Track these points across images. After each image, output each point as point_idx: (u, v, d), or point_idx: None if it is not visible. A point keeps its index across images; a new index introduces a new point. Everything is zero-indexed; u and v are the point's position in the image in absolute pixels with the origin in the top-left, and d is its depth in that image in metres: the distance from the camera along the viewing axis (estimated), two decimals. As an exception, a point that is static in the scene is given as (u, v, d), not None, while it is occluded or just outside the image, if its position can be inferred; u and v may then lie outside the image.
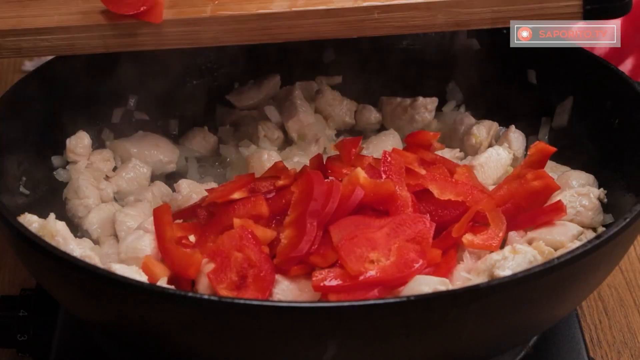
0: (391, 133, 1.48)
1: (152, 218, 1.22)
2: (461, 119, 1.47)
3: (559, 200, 1.24)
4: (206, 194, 1.28)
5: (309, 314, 0.96)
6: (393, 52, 1.52)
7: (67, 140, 1.38)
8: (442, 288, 1.07)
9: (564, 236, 1.21)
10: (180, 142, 1.49)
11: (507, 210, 1.25)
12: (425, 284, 1.09)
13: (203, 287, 1.15)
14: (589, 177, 1.31)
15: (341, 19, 1.25)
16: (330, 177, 1.26)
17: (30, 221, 1.20)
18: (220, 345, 1.01)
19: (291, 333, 0.97)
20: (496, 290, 0.98)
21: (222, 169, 1.48)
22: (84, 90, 1.41)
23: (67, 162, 1.38)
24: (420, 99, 1.50)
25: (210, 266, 1.14)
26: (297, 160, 1.42)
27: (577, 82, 1.40)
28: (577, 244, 1.19)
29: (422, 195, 1.23)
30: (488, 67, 1.47)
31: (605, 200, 1.27)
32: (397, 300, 0.98)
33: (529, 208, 1.26)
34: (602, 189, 1.28)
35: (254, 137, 1.47)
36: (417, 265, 1.12)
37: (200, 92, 1.52)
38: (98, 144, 1.43)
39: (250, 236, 1.14)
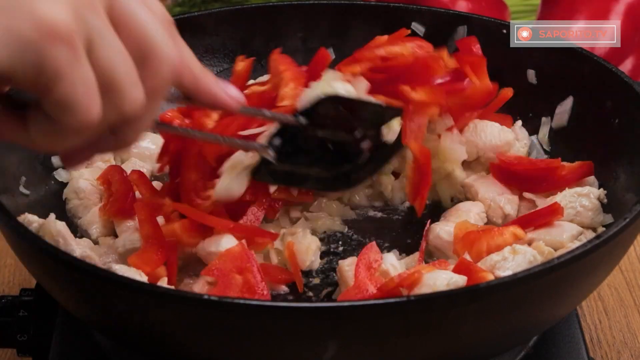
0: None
1: None
2: (461, 119, 1.47)
3: (556, 202, 1.24)
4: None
5: (309, 314, 0.96)
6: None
7: None
8: (461, 283, 1.08)
9: (563, 236, 1.21)
10: (180, 142, 1.49)
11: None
12: (441, 279, 1.10)
13: (198, 287, 1.15)
14: (589, 177, 1.31)
15: None
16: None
17: (30, 221, 1.20)
18: (219, 345, 1.01)
19: (291, 333, 0.97)
20: (496, 290, 0.98)
21: (222, 169, 1.48)
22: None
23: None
24: (420, 99, 1.50)
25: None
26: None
27: (577, 82, 1.39)
28: (577, 244, 1.19)
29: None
30: (487, 67, 1.47)
31: (605, 200, 1.27)
32: (397, 300, 0.98)
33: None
34: (602, 189, 1.28)
35: (254, 137, 1.47)
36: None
37: (200, 92, 1.52)
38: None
39: (252, 260, 1.15)
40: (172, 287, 1.16)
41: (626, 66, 1.80)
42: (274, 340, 0.98)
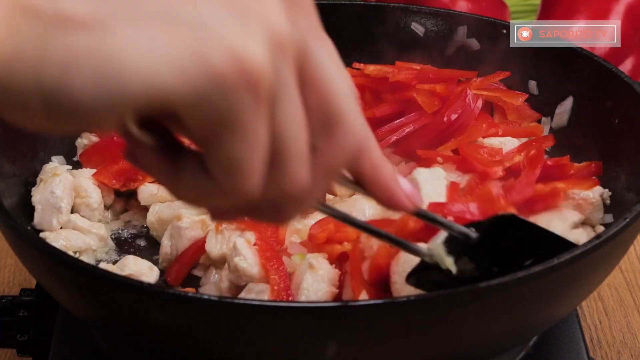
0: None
1: None
2: (461, 119, 1.46)
3: (556, 186, 1.23)
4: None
5: (308, 314, 0.96)
6: (392, 52, 1.52)
7: (77, 142, 1.38)
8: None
9: (564, 223, 1.21)
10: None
11: None
12: None
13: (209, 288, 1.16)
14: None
15: None
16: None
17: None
18: (219, 344, 1.01)
19: (291, 333, 0.97)
20: (496, 290, 0.98)
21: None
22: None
23: (67, 162, 1.38)
24: (420, 99, 1.50)
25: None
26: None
27: (577, 82, 1.39)
28: (578, 232, 1.18)
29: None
30: (487, 67, 1.47)
31: (609, 201, 1.26)
32: (397, 300, 0.98)
33: None
34: (607, 190, 1.27)
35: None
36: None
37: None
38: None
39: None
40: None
41: (626, 66, 1.80)
42: (274, 340, 0.98)
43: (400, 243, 0.97)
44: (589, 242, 1.03)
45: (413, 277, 1.01)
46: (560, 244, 1.03)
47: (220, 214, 0.73)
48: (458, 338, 1.01)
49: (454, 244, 0.97)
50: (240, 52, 0.60)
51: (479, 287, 0.99)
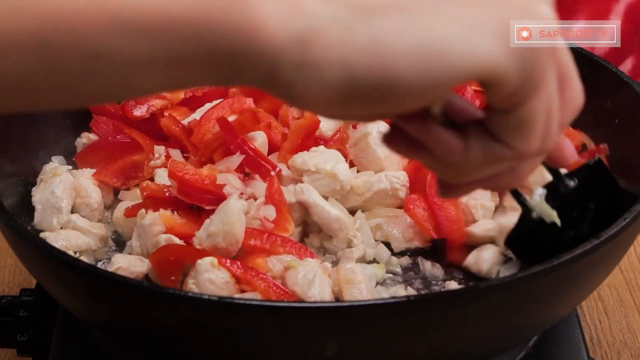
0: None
1: None
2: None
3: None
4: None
5: (308, 314, 0.96)
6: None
7: (77, 142, 1.38)
8: None
9: None
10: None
11: None
12: None
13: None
14: None
15: None
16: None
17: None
18: (219, 344, 1.01)
19: (290, 333, 0.97)
20: (496, 290, 0.98)
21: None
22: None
23: (67, 162, 1.38)
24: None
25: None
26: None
27: (577, 82, 1.39)
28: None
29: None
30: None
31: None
32: (397, 300, 0.98)
33: None
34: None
35: (254, 137, 1.47)
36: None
37: (200, 92, 1.52)
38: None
39: None
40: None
41: (626, 66, 1.80)
42: (274, 340, 0.98)
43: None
44: (589, 242, 1.03)
45: (513, 239, 1.08)
46: (620, 198, 1.08)
47: (457, 188, 0.81)
48: (458, 338, 1.01)
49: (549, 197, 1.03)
50: (545, 16, 0.72)
51: (479, 287, 0.99)
